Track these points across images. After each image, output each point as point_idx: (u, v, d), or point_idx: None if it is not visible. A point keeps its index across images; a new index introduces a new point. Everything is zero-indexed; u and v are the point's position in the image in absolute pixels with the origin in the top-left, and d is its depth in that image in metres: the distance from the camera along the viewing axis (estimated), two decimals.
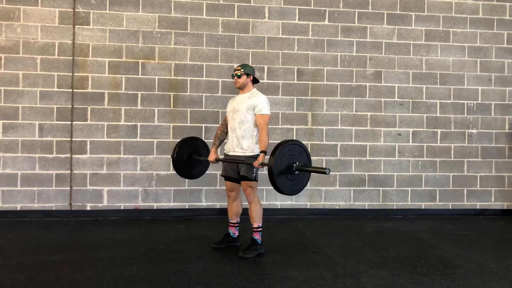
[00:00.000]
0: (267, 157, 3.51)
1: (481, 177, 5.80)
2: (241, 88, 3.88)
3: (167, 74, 5.36)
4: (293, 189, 3.47)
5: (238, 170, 3.79)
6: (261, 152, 3.63)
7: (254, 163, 3.59)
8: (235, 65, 5.39)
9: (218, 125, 5.27)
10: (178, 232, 4.57)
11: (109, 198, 5.26)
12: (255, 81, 3.96)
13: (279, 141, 5.35)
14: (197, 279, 3.13)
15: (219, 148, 4.10)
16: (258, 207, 3.82)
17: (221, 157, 4.01)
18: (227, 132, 4.01)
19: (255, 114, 3.76)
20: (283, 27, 5.54)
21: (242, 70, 3.84)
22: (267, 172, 3.35)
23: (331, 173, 5.55)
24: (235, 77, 3.86)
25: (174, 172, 5.27)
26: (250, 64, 5.44)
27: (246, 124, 3.77)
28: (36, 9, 5.17)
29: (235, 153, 3.81)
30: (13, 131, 5.12)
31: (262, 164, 3.55)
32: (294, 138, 5.46)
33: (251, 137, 3.78)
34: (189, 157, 4.23)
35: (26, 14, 5.15)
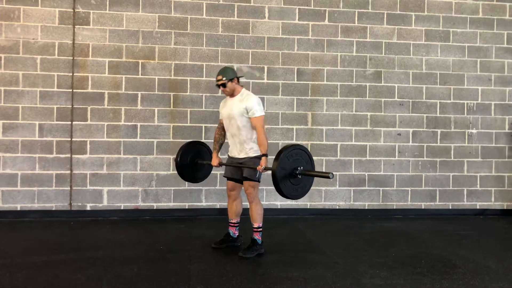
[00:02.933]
0: (271, 156, 3.52)
1: (481, 177, 5.80)
2: (231, 95, 3.85)
3: (167, 74, 5.36)
4: (297, 193, 3.49)
5: (242, 171, 3.79)
6: (262, 155, 3.63)
7: (257, 167, 3.60)
8: (236, 65, 5.39)
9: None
10: (178, 232, 4.57)
11: (109, 198, 5.25)
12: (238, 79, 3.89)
13: (279, 141, 5.45)
14: (197, 279, 3.14)
15: (220, 150, 4.10)
16: (259, 207, 3.82)
17: (225, 157, 4.02)
18: (225, 135, 4.01)
19: (249, 117, 3.73)
20: (283, 27, 5.54)
21: (224, 78, 3.75)
22: (270, 175, 3.36)
23: None
24: (221, 87, 3.80)
25: (174, 172, 5.30)
26: (250, 64, 5.45)
27: (243, 129, 3.75)
28: (36, 9, 5.16)
29: (240, 156, 3.81)
30: (13, 131, 5.12)
31: (266, 168, 3.56)
32: (294, 139, 5.47)
33: (252, 140, 3.77)
34: (193, 161, 4.24)
35: (26, 14, 5.15)
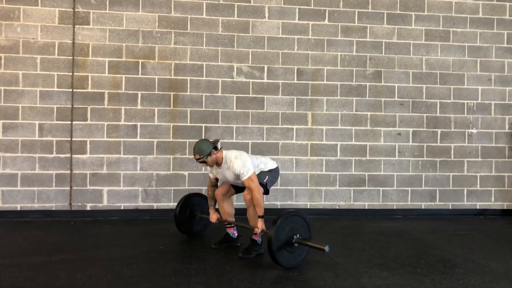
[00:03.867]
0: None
1: (481, 177, 5.80)
2: (217, 164, 3.81)
3: (167, 74, 5.36)
4: (295, 262, 3.42)
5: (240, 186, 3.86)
6: (258, 217, 3.63)
7: (255, 229, 3.64)
8: (235, 65, 5.39)
9: (219, 125, 5.29)
10: (178, 232, 4.56)
11: (109, 198, 5.25)
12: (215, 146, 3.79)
13: (279, 141, 5.45)
14: (197, 279, 3.13)
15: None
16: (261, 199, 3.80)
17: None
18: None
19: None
20: (283, 27, 5.53)
21: (201, 156, 3.69)
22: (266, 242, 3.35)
23: (331, 173, 5.56)
24: (202, 164, 3.79)
25: (174, 172, 5.31)
26: (250, 64, 5.45)
27: (246, 180, 3.71)
28: (36, 9, 5.16)
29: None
30: (13, 131, 5.11)
31: (263, 231, 3.58)
32: (294, 139, 5.46)
33: (257, 170, 3.82)
34: (192, 214, 4.34)
35: (26, 14, 5.15)
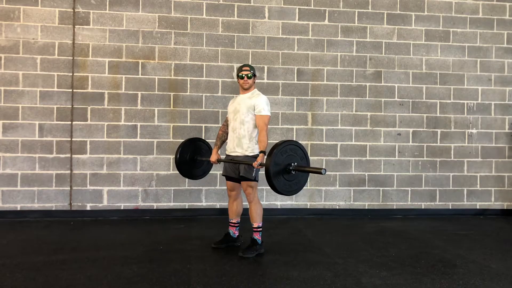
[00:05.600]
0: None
1: (481, 177, 5.80)
2: (247, 89, 3.90)
3: (167, 74, 5.36)
4: (291, 189, 3.44)
5: (238, 171, 3.79)
6: (260, 152, 3.64)
7: (253, 163, 3.60)
8: (235, 65, 5.39)
9: (219, 125, 5.29)
10: (178, 232, 4.57)
11: (109, 198, 5.26)
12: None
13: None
14: (197, 279, 3.13)
15: (221, 149, 4.11)
16: (258, 206, 3.82)
17: (223, 157, 4.03)
18: (228, 132, 4.02)
19: (255, 114, 3.77)
20: (283, 27, 5.54)
21: (251, 70, 3.87)
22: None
23: (331, 173, 5.56)
24: (245, 78, 3.85)
25: (174, 172, 5.31)
26: (250, 64, 5.45)
27: (246, 124, 3.79)
28: (36, 9, 5.17)
29: (235, 153, 3.83)
30: (13, 131, 5.12)
31: (261, 164, 3.55)
32: (294, 139, 5.46)
33: (251, 137, 3.79)
34: (192, 158, 4.26)
35: (26, 14, 5.15)
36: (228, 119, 4.02)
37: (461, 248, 4.11)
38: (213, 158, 4.01)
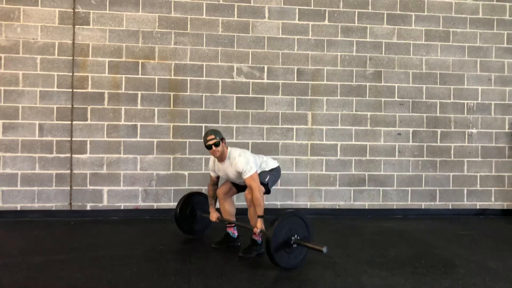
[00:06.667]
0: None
1: (481, 177, 5.80)
2: (221, 157, 3.75)
3: (167, 74, 5.36)
4: (290, 263, 3.37)
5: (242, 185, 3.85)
6: (258, 217, 3.61)
7: (254, 229, 3.62)
8: (235, 65, 5.39)
9: (219, 125, 5.29)
10: (178, 232, 4.56)
11: (109, 198, 5.25)
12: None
13: (279, 141, 5.45)
14: (197, 279, 3.13)
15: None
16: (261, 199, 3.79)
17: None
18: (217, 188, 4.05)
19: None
20: (283, 27, 5.54)
21: (216, 137, 3.66)
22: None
23: (331, 173, 5.56)
24: (213, 147, 3.65)
25: (174, 172, 5.32)
26: (250, 64, 5.46)
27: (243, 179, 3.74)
28: (36, 9, 5.16)
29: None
30: (13, 131, 5.12)
31: (262, 231, 3.56)
32: (294, 139, 5.46)
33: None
34: (192, 213, 4.34)
35: (26, 14, 5.15)
36: (213, 178, 3.99)
37: (461, 248, 4.11)
38: (213, 218, 4.02)
